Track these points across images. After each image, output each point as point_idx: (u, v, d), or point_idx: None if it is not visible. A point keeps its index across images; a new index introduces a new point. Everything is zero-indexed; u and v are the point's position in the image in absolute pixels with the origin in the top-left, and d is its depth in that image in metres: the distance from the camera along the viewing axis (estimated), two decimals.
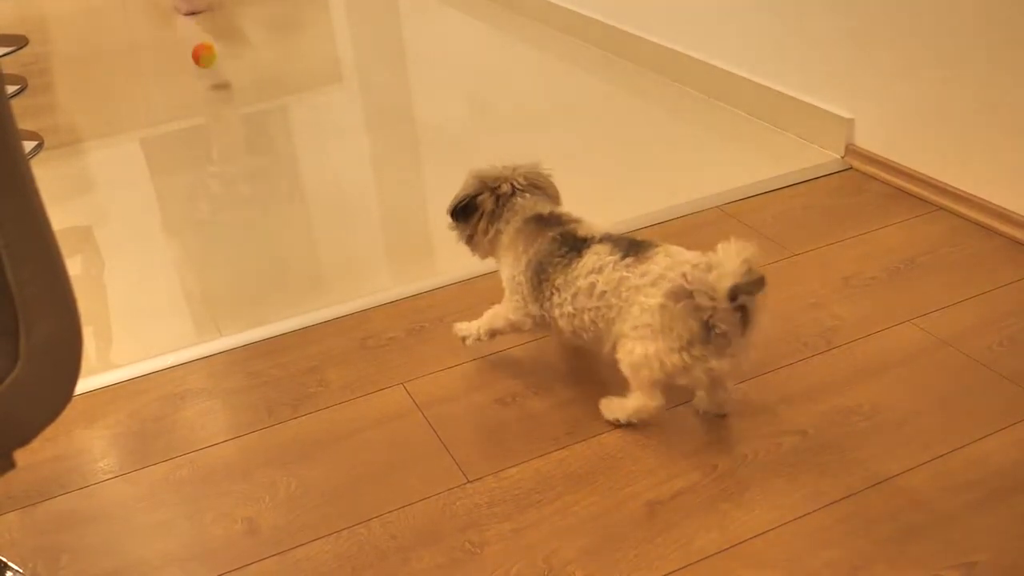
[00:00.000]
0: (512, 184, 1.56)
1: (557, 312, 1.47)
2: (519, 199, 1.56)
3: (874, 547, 1.25)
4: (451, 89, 3.01)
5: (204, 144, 2.76)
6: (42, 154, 2.64)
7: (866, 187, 2.16)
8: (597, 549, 1.27)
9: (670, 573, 1.23)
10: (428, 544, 1.30)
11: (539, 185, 1.59)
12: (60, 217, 2.30)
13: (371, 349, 1.73)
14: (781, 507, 1.32)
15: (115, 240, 2.23)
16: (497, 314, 1.61)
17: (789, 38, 2.36)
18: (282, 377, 1.67)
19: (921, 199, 2.07)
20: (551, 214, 1.54)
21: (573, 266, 1.44)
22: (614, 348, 1.42)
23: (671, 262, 1.36)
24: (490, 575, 1.25)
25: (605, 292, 1.40)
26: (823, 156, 2.30)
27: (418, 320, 1.80)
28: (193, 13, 3.98)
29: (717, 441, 1.43)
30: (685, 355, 1.33)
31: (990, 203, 1.93)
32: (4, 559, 1.32)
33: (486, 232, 1.58)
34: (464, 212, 1.58)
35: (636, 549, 1.27)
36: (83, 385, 1.68)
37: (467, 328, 1.65)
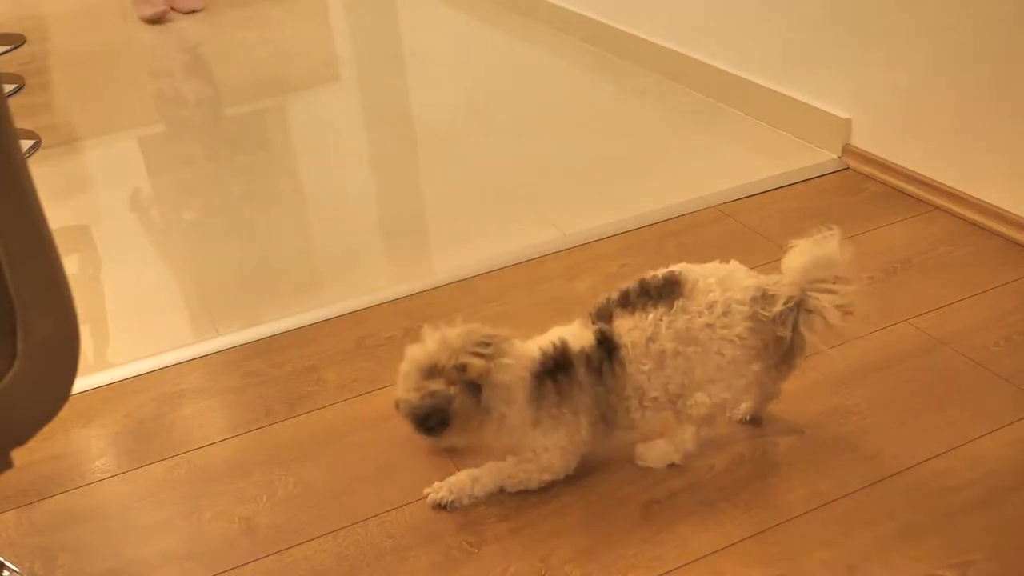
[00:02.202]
0: (472, 359, 1.20)
1: (638, 415, 1.29)
2: (497, 376, 1.22)
3: (870, 546, 1.25)
4: (449, 88, 3.00)
5: (202, 143, 2.76)
6: (39, 153, 2.64)
7: (863, 187, 2.16)
8: (594, 548, 1.27)
9: (667, 572, 1.23)
10: (425, 543, 1.30)
11: (501, 351, 1.23)
12: (57, 216, 2.30)
13: (368, 348, 1.73)
14: (778, 506, 1.32)
15: (112, 239, 2.23)
16: (523, 476, 1.32)
17: (787, 38, 2.36)
18: (279, 376, 1.67)
19: (918, 199, 2.07)
20: (541, 364, 1.25)
21: (621, 364, 1.25)
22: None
23: (718, 282, 1.26)
24: (487, 574, 1.25)
25: (678, 350, 1.25)
26: (820, 156, 2.30)
27: (416, 319, 1.79)
28: (155, 22, 3.91)
29: (714, 441, 1.43)
30: (783, 366, 1.33)
31: (987, 203, 1.94)
32: (1, 558, 1.32)
33: (470, 426, 1.24)
34: (441, 422, 1.22)
35: (633, 548, 1.27)
36: (80, 384, 1.67)
37: (448, 492, 1.33)
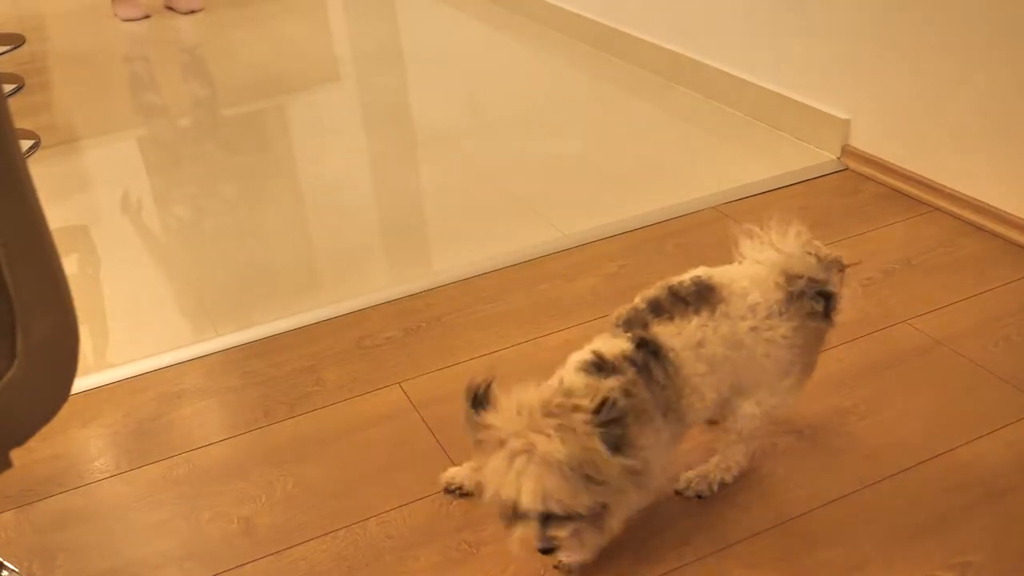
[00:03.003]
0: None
1: (691, 419, 1.24)
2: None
3: (869, 547, 1.25)
4: (448, 88, 3.01)
5: (201, 143, 2.76)
6: (39, 153, 2.64)
7: (862, 188, 2.16)
8: None
9: (666, 573, 1.23)
10: (424, 544, 1.30)
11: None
12: (57, 216, 2.30)
13: (368, 348, 1.73)
14: (776, 507, 1.32)
15: (112, 239, 2.23)
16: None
17: (786, 39, 2.36)
18: (279, 376, 1.67)
19: (917, 200, 2.07)
20: (606, 374, 1.15)
21: (674, 367, 1.18)
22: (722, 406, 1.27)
23: (752, 283, 1.23)
24: (486, 575, 1.25)
25: (726, 355, 1.21)
26: (819, 157, 2.30)
27: (415, 320, 1.80)
28: (133, 19, 3.95)
29: (713, 442, 1.43)
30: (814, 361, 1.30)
31: (986, 204, 1.94)
32: (0, 559, 1.32)
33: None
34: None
35: (632, 549, 1.27)
36: (79, 384, 1.67)
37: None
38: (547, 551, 1.11)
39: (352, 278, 1.99)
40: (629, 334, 1.20)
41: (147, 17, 3.96)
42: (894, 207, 2.06)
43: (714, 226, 2.05)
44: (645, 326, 1.20)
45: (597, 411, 1.06)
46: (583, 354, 1.19)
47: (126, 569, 1.31)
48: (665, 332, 1.19)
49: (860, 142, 2.23)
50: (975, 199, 1.96)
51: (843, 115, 2.25)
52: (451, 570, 1.26)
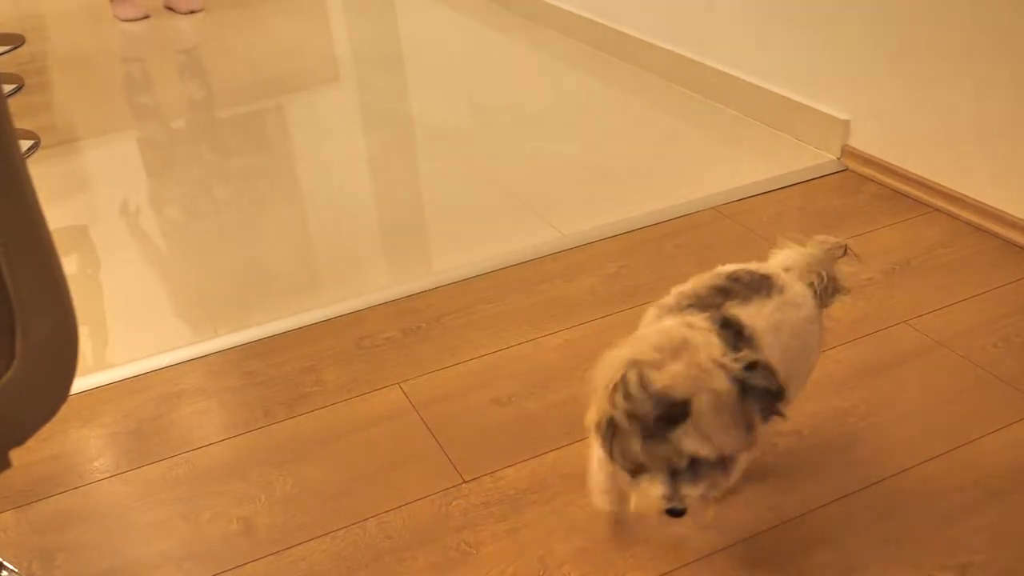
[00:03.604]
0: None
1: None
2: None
3: (869, 548, 1.25)
4: (448, 89, 3.01)
5: (200, 143, 2.76)
6: (38, 153, 2.64)
7: (862, 188, 2.16)
8: (592, 549, 1.27)
9: (666, 573, 1.23)
10: (424, 544, 1.30)
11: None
12: (56, 216, 2.30)
13: (367, 349, 1.73)
14: (777, 507, 1.32)
15: (111, 239, 2.23)
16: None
17: (785, 39, 2.36)
18: (278, 377, 1.67)
19: (917, 200, 2.07)
20: (731, 332, 1.10)
21: (757, 349, 1.09)
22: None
23: (791, 276, 1.23)
24: (485, 575, 1.25)
25: (789, 343, 1.17)
26: (819, 157, 2.30)
27: (415, 320, 1.80)
28: (133, 19, 3.95)
29: None
30: None
31: (986, 205, 1.94)
32: (0, 559, 1.32)
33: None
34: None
35: (631, 549, 1.27)
36: (79, 384, 1.67)
37: None
38: (677, 513, 1.04)
39: (352, 278, 1.99)
40: (707, 314, 1.09)
41: (146, 17, 3.97)
42: (894, 208, 2.06)
43: (714, 226, 2.05)
44: (719, 308, 1.12)
45: (750, 364, 1.01)
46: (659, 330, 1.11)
47: (126, 569, 1.31)
48: (744, 313, 1.12)
49: (860, 143, 2.23)
50: (975, 200, 1.96)
51: (843, 115, 2.25)
52: (450, 570, 1.26)
